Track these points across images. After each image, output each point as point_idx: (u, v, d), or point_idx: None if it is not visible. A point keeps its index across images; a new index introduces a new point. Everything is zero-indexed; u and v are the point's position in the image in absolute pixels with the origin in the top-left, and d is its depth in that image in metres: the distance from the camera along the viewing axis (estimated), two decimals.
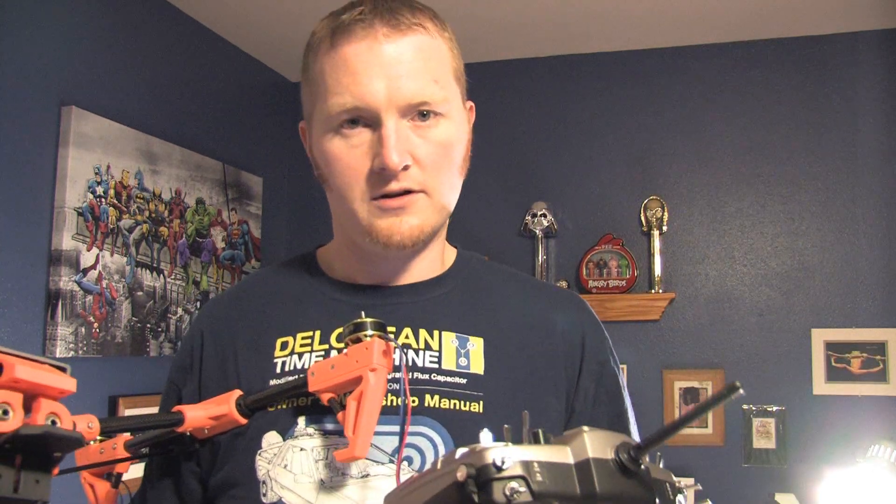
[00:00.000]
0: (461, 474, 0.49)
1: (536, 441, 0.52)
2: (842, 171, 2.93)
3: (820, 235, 2.93)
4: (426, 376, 0.85)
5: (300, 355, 0.88)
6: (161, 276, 2.60)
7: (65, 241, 2.20)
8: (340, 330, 0.85)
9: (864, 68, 2.93)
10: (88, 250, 2.28)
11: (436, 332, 0.88)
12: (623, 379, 0.96)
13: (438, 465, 0.54)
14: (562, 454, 0.51)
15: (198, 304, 2.78)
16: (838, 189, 2.93)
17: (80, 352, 2.25)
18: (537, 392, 0.88)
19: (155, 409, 1.03)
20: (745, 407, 2.90)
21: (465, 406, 0.84)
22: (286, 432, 0.84)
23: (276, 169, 3.37)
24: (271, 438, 0.84)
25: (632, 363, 3.01)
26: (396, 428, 0.79)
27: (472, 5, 2.76)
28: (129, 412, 2.37)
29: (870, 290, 2.85)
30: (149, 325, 2.53)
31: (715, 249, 3.02)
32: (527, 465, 0.49)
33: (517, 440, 0.52)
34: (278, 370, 0.88)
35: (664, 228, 3.02)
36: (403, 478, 0.79)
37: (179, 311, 2.69)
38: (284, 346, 0.89)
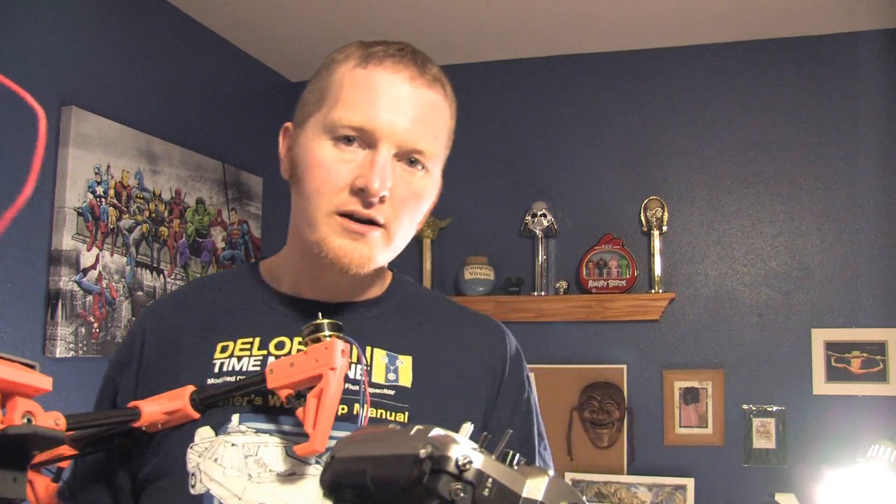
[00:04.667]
0: (424, 452, 0.51)
1: (503, 461, 0.53)
2: (842, 171, 2.93)
3: (820, 235, 2.93)
4: (356, 387, 0.89)
5: (239, 358, 0.92)
6: (161, 276, 2.60)
7: (65, 241, 2.20)
8: (280, 338, 0.92)
9: (864, 68, 2.93)
10: (88, 250, 2.28)
11: (368, 349, 0.93)
12: (535, 401, 1.03)
13: (412, 431, 0.55)
14: (517, 483, 0.52)
15: None
16: (838, 189, 2.93)
17: (80, 352, 2.25)
18: (460, 407, 0.93)
19: None
20: (745, 407, 2.90)
21: (391, 415, 0.89)
22: (219, 428, 0.88)
23: (276, 169, 3.34)
24: (204, 433, 0.88)
25: (632, 363, 3.01)
26: (335, 432, 0.81)
27: (472, 5, 2.76)
28: None
29: (870, 290, 2.85)
30: None
31: (715, 249, 3.02)
32: (481, 475, 0.51)
33: (490, 450, 0.53)
34: (216, 370, 0.92)
35: (664, 228, 3.02)
36: None
37: None
38: (224, 349, 0.94)
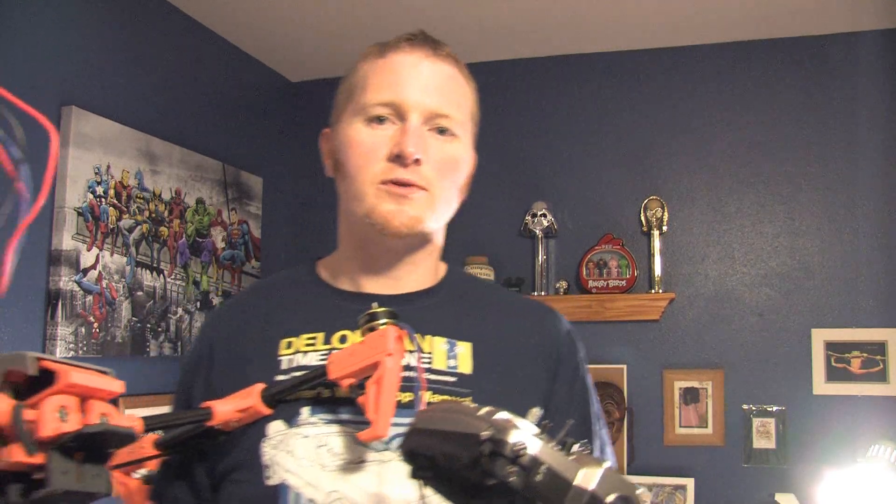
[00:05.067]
0: (485, 434, 0.55)
1: (562, 448, 0.56)
2: (842, 171, 2.93)
3: (820, 235, 2.93)
4: (416, 374, 0.92)
5: (304, 353, 0.96)
6: (161, 276, 2.60)
7: (65, 241, 2.20)
8: (343, 332, 0.95)
9: (864, 68, 2.93)
10: (88, 250, 2.28)
11: (427, 337, 0.96)
12: (591, 382, 1.06)
13: (481, 412, 0.59)
14: (571, 471, 0.55)
15: (198, 303, 2.78)
16: (838, 189, 2.93)
17: (80, 352, 2.25)
18: (519, 390, 0.97)
19: (161, 410, 1.06)
20: (745, 407, 2.90)
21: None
22: (290, 421, 0.91)
23: (276, 169, 3.37)
24: (276, 427, 0.91)
25: (632, 363, 3.01)
26: (397, 419, 0.84)
27: (472, 5, 2.76)
28: (129, 413, 2.36)
29: (870, 290, 2.85)
30: (149, 325, 2.53)
31: (715, 249, 3.02)
32: (535, 461, 0.54)
33: (550, 437, 0.56)
34: (283, 367, 0.95)
35: (664, 228, 3.02)
36: (403, 464, 0.86)
37: (179, 311, 2.69)
38: (289, 345, 0.97)
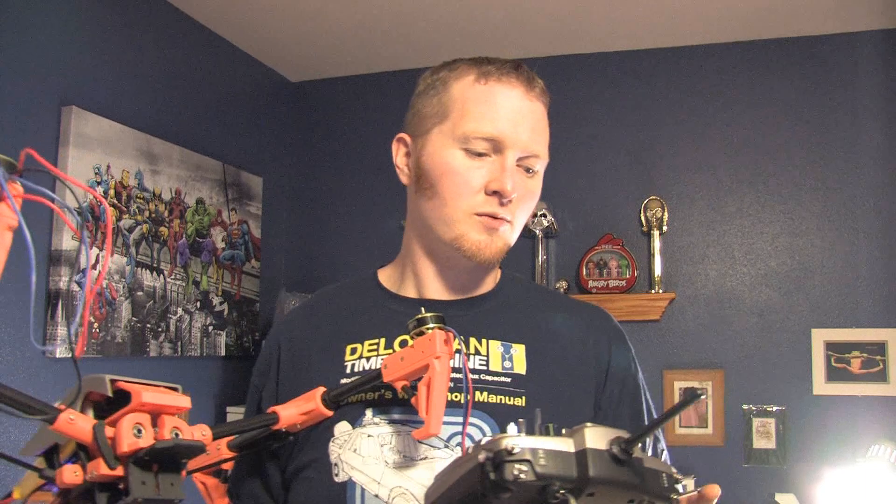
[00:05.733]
0: (482, 457, 0.60)
1: (547, 434, 0.62)
2: (842, 171, 2.93)
3: (820, 235, 2.93)
4: (476, 376, 0.99)
5: (368, 358, 1.02)
6: (161, 276, 2.60)
7: (65, 241, 2.20)
8: (403, 337, 1.01)
9: (864, 68, 2.93)
10: (88, 250, 2.28)
11: (484, 340, 1.02)
12: (643, 380, 1.11)
13: (471, 450, 0.64)
14: (565, 444, 0.61)
15: (198, 303, 2.78)
16: (838, 189, 2.93)
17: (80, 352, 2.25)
18: (571, 391, 1.02)
19: None
20: (745, 407, 2.90)
21: (509, 401, 0.98)
22: (355, 422, 0.98)
23: (276, 169, 3.37)
24: (342, 427, 0.98)
25: None
26: (452, 419, 0.92)
27: (472, 5, 2.76)
28: None
29: (870, 290, 2.85)
30: (149, 325, 2.53)
31: (715, 249, 3.02)
32: (533, 451, 0.59)
33: (530, 432, 0.62)
34: (348, 371, 1.02)
35: (664, 228, 3.02)
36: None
37: (179, 311, 2.69)
38: (354, 351, 1.04)
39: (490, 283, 1.11)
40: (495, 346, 1.02)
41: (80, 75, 2.33)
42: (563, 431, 0.63)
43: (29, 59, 2.17)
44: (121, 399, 0.69)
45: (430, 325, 0.89)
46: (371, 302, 1.10)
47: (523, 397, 0.98)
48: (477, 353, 1.01)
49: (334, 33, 3.02)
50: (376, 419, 0.98)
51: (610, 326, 1.10)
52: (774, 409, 2.87)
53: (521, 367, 1.01)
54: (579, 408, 1.01)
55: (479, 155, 0.99)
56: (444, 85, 1.03)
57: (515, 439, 0.60)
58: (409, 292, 1.09)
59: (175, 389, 0.73)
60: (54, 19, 2.26)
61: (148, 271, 2.54)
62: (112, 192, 2.39)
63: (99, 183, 2.34)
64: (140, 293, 2.50)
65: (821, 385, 2.84)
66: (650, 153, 3.10)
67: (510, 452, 0.59)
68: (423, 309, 0.92)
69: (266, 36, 3.05)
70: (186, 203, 2.75)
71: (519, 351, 1.02)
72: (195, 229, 2.80)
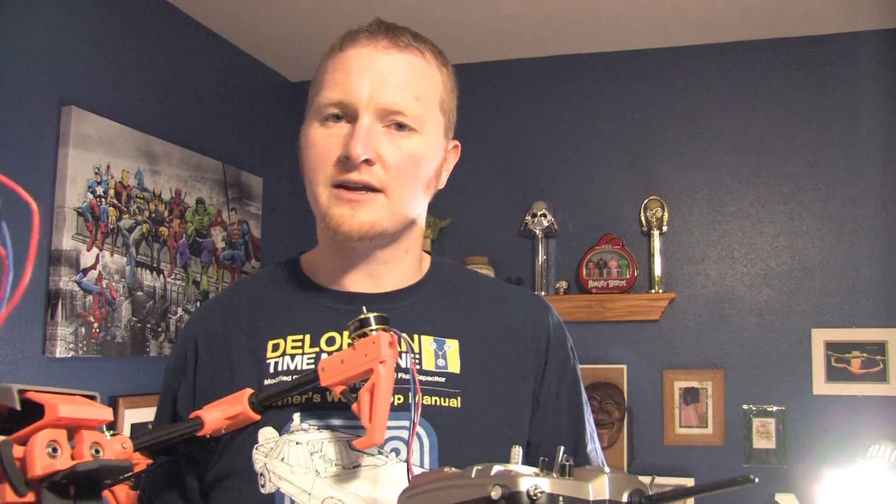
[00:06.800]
0: (496, 494, 0.57)
1: (563, 474, 0.59)
2: (842, 171, 2.93)
3: (820, 235, 2.93)
4: (408, 376, 0.89)
5: (292, 356, 0.94)
6: (161, 276, 2.60)
7: (65, 241, 2.20)
8: (330, 334, 0.94)
9: (864, 68, 2.93)
10: (88, 250, 2.28)
11: (415, 336, 0.95)
12: (580, 372, 1.06)
13: (472, 474, 0.60)
14: (583, 491, 0.58)
15: (198, 303, 2.78)
16: (838, 189, 2.93)
17: (80, 352, 2.25)
18: (509, 387, 0.96)
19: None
20: (745, 407, 2.90)
21: (444, 402, 0.92)
22: (282, 427, 0.90)
23: (276, 169, 3.37)
24: (267, 433, 0.90)
25: (632, 363, 3.01)
26: (390, 422, 0.84)
27: (472, 5, 2.76)
28: (129, 413, 2.37)
29: (870, 290, 2.85)
30: (149, 325, 2.53)
31: (715, 249, 3.02)
32: (553, 497, 0.57)
33: (549, 469, 0.59)
34: (271, 370, 0.94)
35: (664, 228, 3.02)
36: (397, 468, 0.87)
37: (179, 311, 2.69)
38: (276, 347, 0.95)
39: (417, 272, 1.02)
40: (428, 343, 0.95)
41: (80, 75, 2.33)
42: (576, 472, 0.60)
43: (28, 59, 2.17)
44: (29, 412, 0.59)
45: (374, 327, 0.83)
46: (294, 294, 1.01)
47: (458, 398, 0.92)
48: (409, 350, 0.94)
49: (334, 33, 3.01)
50: (304, 425, 0.90)
51: (549, 315, 1.04)
52: (774, 409, 2.87)
53: (454, 364, 0.94)
54: (517, 406, 0.96)
55: (337, 121, 0.92)
56: (316, 71, 0.98)
57: (535, 480, 0.57)
58: (330, 283, 1.00)
59: (93, 398, 0.64)
60: (54, 19, 2.26)
61: (148, 271, 2.54)
62: (112, 191, 2.39)
63: (99, 183, 2.34)
64: (140, 293, 2.50)
65: (821, 385, 2.84)
66: (650, 153, 3.10)
67: (531, 497, 0.56)
68: (364, 308, 0.85)
69: (266, 36, 3.05)
70: (186, 203, 2.75)
71: (453, 347, 0.95)
72: (195, 229, 2.80)
